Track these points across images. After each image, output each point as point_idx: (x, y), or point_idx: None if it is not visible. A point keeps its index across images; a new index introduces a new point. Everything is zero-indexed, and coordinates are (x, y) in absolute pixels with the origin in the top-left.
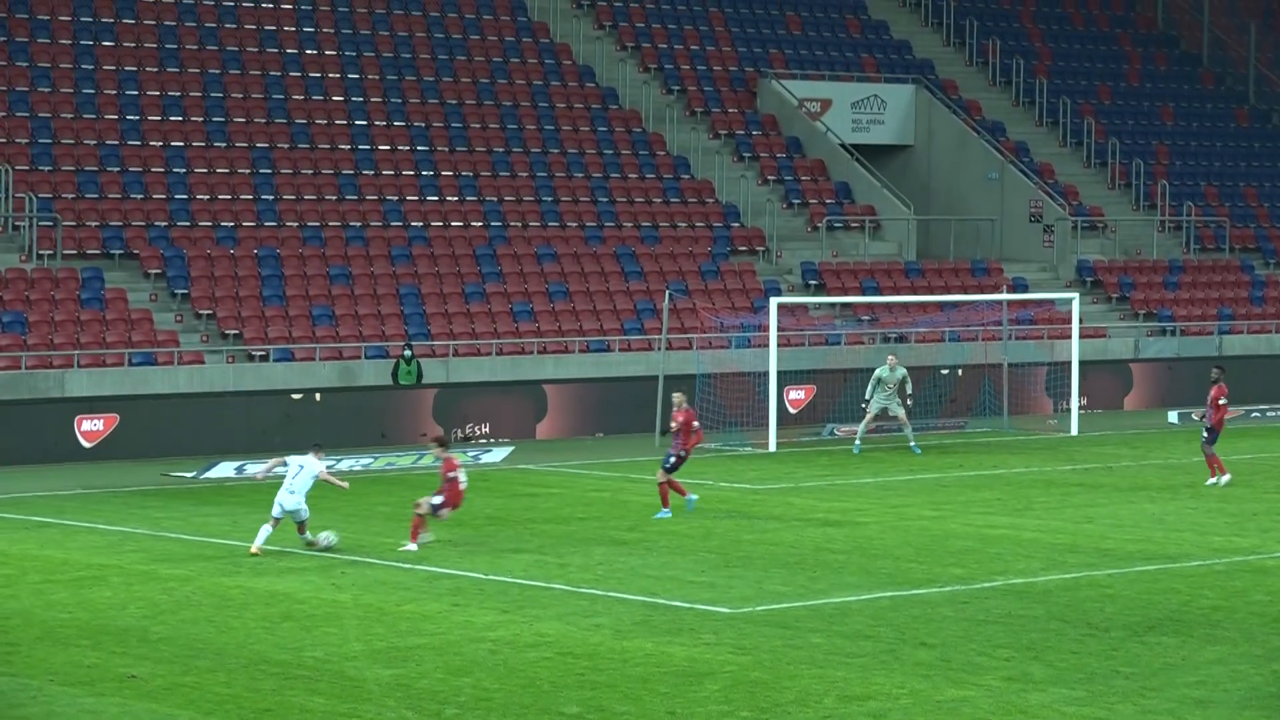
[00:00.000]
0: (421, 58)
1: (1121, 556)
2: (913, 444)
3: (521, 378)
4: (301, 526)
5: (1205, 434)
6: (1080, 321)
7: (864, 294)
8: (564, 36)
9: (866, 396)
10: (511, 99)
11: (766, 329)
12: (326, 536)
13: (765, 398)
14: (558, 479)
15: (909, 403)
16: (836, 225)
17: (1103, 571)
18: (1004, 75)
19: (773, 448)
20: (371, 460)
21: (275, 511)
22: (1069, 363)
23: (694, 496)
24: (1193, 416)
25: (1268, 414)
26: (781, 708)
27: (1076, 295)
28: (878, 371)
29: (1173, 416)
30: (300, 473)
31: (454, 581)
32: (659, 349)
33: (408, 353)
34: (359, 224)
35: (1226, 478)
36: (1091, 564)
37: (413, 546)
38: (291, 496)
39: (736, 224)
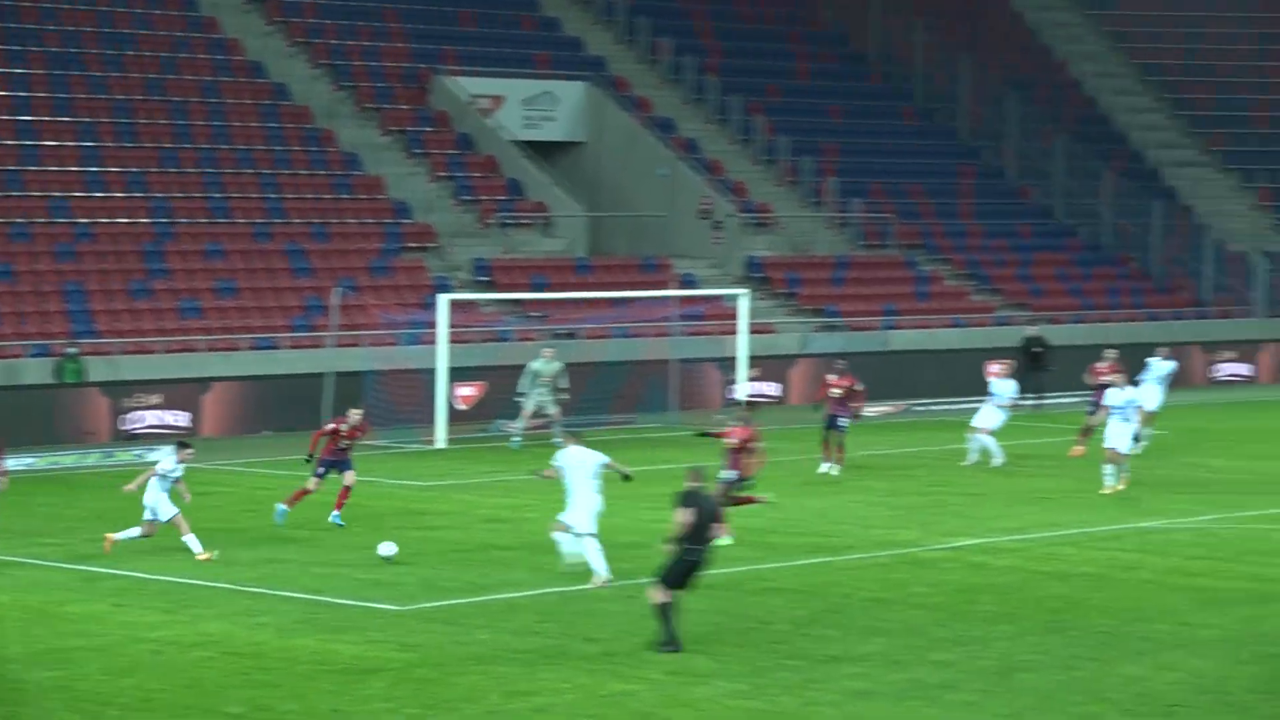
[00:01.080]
0: (89, 52)
1: (785, 550)
2: (558, 440)
3: (189, 375)
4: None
5: (833, 423)
6: (748, 317)
7: (535, 290)
8: (234, 32)
9: (521, 389)
10: (181, 94)
11: (436, 325)
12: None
13: (435, 394)
14: (225, 477)
15: (565, 396)
16: (508, 222)
17: (767, 565)
18: (675, 73)
19: (442, 444)
20: (35, 459)
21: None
22: (736, 358)
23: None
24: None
25: (931, 408)
26: (448, 704)
27: (745, 291)
28: (533, 364)
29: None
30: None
31: (117, 582)
32: (328, 346)
33: (71, 350)
34: (23, 220)
35: (827, 466)
36: (756, 558)
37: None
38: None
39: (407, 220)
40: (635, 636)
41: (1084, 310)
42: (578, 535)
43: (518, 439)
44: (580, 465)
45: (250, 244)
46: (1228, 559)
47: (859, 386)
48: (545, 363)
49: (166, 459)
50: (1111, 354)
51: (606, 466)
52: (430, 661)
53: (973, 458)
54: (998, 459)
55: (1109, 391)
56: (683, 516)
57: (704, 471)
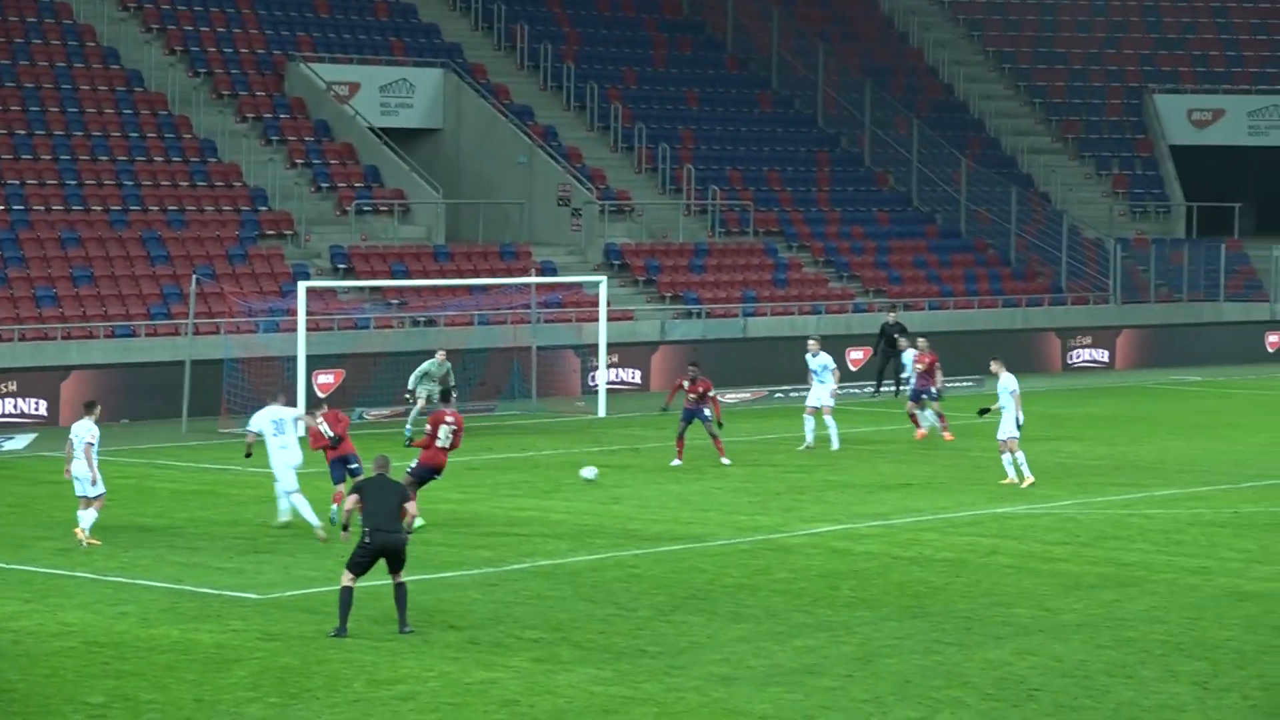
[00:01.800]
0: None
1: (648, 537)
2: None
3: (46, 363)
4: (84, 502)
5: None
6: (608, 304)
7: (393, 278)
8: (88, 18)
9: (410, 387)
10: (34, 80)
11: (295, 313)
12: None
13: (294, 382)
14: None
15: (454, 393)
16: (365, 209)
17: (629, 552)
18: (532, 59)
19: (301, 432)
20: None
21: (76, 490)
22: (596, 345)
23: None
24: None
25: (790, 394)
26: (310, 693)
27: (604, 278)
28: (425, 365)
29: None
30: (75, 441)
31: None
32: (186, 334)
33: None
34: None
35: (678, 463)
36: (618, 545)
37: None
38: (74, 464)
39: (264, 207)
40: (499, 624)
41: (942, 297)
42: (287, 493)
43: (410, 428)
44: (276, 422)
45: (107, 231)
46: (1086, 544)
47: (712, 392)
48: (437, 365)
49: (89, 428)
50: (923, 343)
51: (300, 420)
52: (292, 650)
53: (810, 440)
54: (835, 443)
55: (1002, 378)
56: (347, 504)
57: (389, 461)
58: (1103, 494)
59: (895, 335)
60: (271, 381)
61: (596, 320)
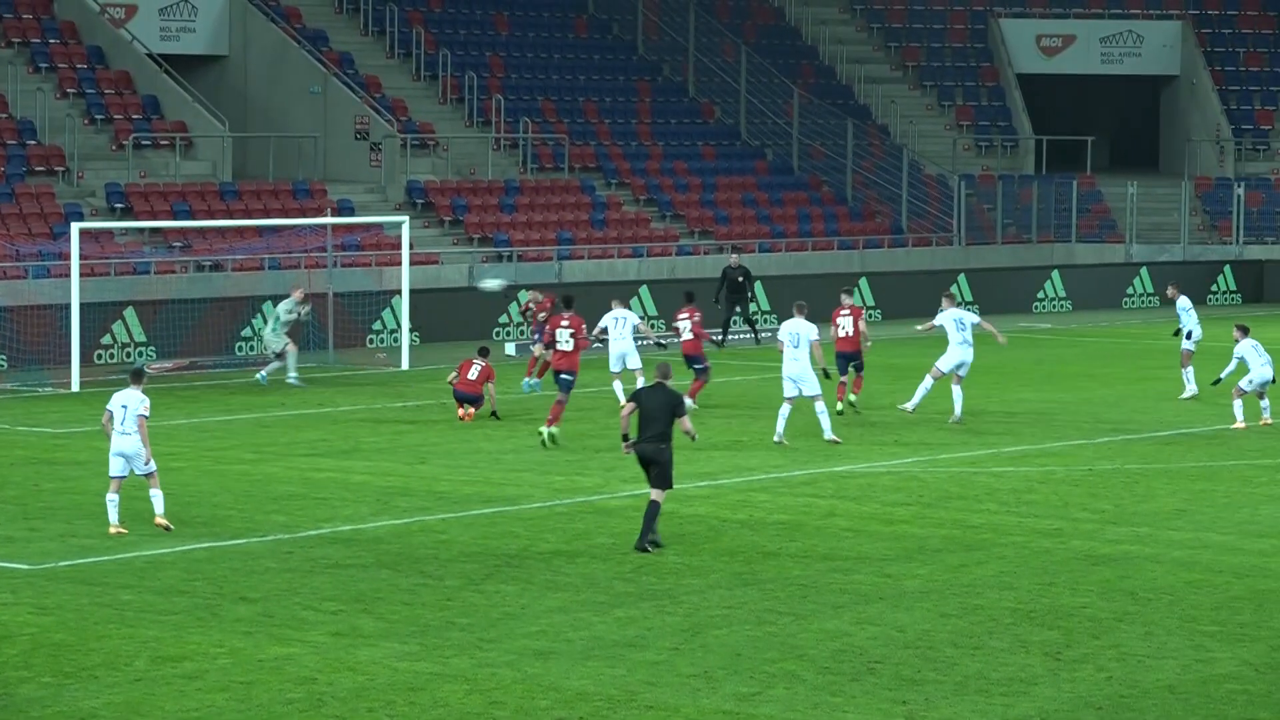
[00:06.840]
0: None
1: (457, 499)
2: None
3: None
4: (151, 479)
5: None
6: (411, 247)
7: (176, 218)
8: None
9: (276, 348)
10: None
11: (68, 257)
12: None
13: (68, 332)
14: None
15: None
16: (145, 143)
17: (437, 516)
18: None
19: (76, 387)
20: None
21: (115, 469)
22: (399, 291)
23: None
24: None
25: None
26: (88, 671)
27: (407, 219)
28: (283, 307)
29: (510, 348)
30: (125, 412)
31: None
32: None
33: None
34: None
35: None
36: (425, 508)
37: None
38: (126, 439)
39: (33, 141)
40: (294, 595)
41: (773, 238)
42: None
43: (295, 376)
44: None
45: None
46: (930, 505)
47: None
48: (296, 305)
49: (141, 398)
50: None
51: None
52: (68, 625)
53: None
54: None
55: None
56: (624, 410)
57: (669, 370)
58: (947, 451)
59: (739, 280)
60: (44, 332)
61: (399, 264)
